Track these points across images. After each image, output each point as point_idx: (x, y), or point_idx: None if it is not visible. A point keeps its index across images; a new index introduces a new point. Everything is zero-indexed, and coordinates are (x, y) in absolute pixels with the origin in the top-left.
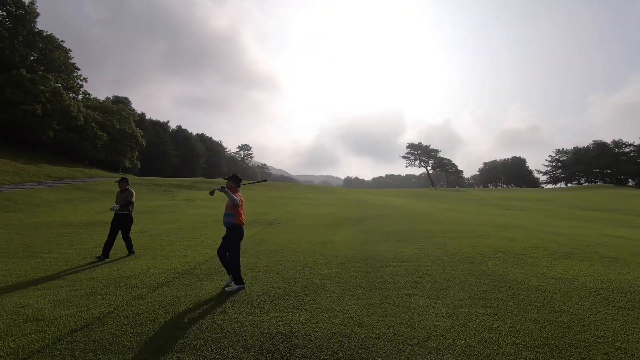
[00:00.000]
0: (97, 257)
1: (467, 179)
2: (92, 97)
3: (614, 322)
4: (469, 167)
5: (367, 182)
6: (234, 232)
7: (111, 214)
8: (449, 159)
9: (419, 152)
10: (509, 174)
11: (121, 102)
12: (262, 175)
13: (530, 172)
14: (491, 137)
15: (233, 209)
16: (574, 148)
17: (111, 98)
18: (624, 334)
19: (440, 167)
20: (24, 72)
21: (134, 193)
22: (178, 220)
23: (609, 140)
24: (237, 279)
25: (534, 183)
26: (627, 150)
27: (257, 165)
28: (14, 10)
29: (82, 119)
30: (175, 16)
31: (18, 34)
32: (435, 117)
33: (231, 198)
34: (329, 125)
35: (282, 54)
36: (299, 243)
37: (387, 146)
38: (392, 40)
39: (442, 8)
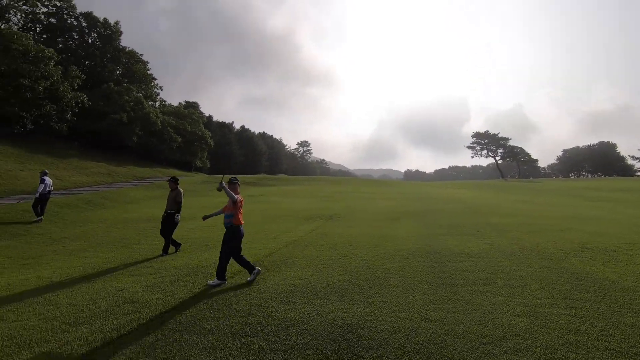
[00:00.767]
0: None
1: (543, 168)
2: (166, 103)
3: None
4: (544, 155)
5: (429, 174)
6: (233, 232)
7: (189, 211)
8: (520, 148)
9: (486, 141)
10: (595, 161)
11: (191, 107)
12: (322, 171)
13: (623, 158)
14: (571, 121)
15: (233, 209)
16: None
17: (183, 103)
18: None
19: (511, 156)
20: (112, 85)
21: (182, 193)
22: (244, 215)
23: None
24: (220, 274)
25: (628, 171)
26: None
27: (317, 161)
28: (102, 31)
29: (159, 124)
30: (235, 21)
31: (106, 52)
32: (503, 102)
33: (229, 195)
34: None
35: (337, 49)
36: (360, 237)
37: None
38: (454, 23)
39: None
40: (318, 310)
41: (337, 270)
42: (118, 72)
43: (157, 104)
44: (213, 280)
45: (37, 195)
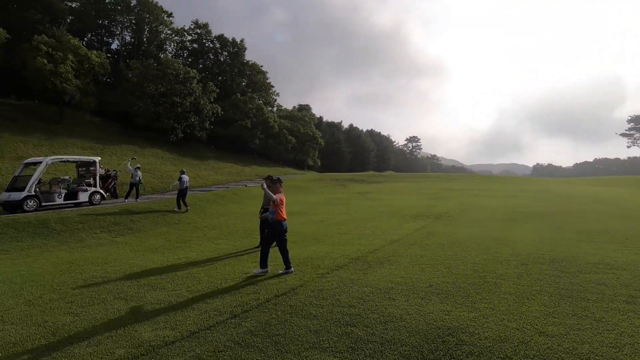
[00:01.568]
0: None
1: None
2: (282, 107)
3: None
4: None
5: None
6: (274, 227)
7: (297, 206)
8: None
9: None
10: None
11: (304, 109)
12: (432, 167)
13: None
14: None
15: (274, 207)
16: None
17: (296, 106)
18: None
19: None
20: (239, 96)
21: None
22: (351, 211)
23: None
24: (262, 263)
25: None
26: None
27: (427, 157)
28: (231, 49)
29: (277, 127)
30: (343, 22)
31: (234, 67)
32: None
33: (268, 195)
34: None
35: (446, 35)
36: (470, 238)
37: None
38: None
39: None
40: (418, 309)
41: (442, 272)
42: (243, 83)
43: (275, 109)
44: (257, 269)
45: (183, 187)
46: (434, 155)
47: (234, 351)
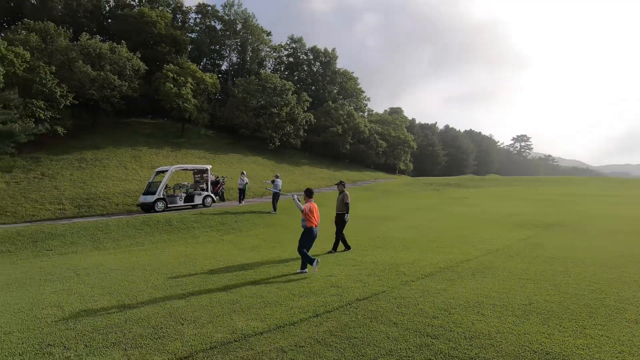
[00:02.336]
0: (328, 252)
1: None
2: (373, 112)
3: None
4: None
5: None
6: (305, 233)
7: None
8: None
9: None
10: None
11: (395, 112)
12: (547, 169)
13: None
14: None
15: (304, 215)
16: None
17: (387, 110)
18: None
19: None
20: (331, 103)
21: (349, 195)
22: (445, 218)
23: None
24: (303, 265)
25: None
26: None
27: (539, 158)
28: (323, 59)
29: (367, 132)
30: (437, 19)
31: (326, 75)
32: None
33: (297, 206)
34: None
35: (557, 19)
36: (588, 252)
37: None
38: None
39: None
40: (511, 328)
41: (547, 289)
42: (334, 90)
43: (366, 113)
44: (299, 270)
45: (277, 190)
46: (549, 156)
47: (313, 348)
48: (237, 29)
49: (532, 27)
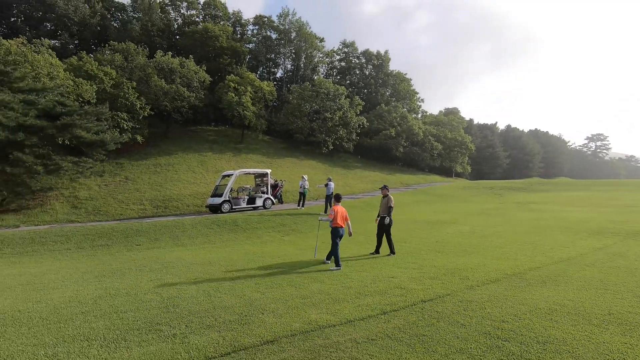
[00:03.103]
0: (371, 253)
1: None
2: (427, 113)
3: None
4: None
5: None
6: (332, 231)
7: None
8: None
9: None
10: None
11: (451, 113)
12: (629, 172)
13: None
14: None
15: (330, 217)
16: None
17: (443, 111)
18: None
19: None
20: (384, 106)
21: (392, 199)
22: (508, 223)
23: None
24: (336, 263)
25: None
26: None
27: (619, 159)
28: (376, 61)
29: (421, 134)
30: (497, 13)
31: (379, 78)
32: None
33: (327, 220)
34: None
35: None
36: None
37: None
38: None
39: None
40: (588, 336)
41: (630, 300)
42: (387, 93)
43: (419, 115)
44: (332, 267)
45: (329, 193)
46: (631, 156)
47: (384, 341)
48: (292, 37)
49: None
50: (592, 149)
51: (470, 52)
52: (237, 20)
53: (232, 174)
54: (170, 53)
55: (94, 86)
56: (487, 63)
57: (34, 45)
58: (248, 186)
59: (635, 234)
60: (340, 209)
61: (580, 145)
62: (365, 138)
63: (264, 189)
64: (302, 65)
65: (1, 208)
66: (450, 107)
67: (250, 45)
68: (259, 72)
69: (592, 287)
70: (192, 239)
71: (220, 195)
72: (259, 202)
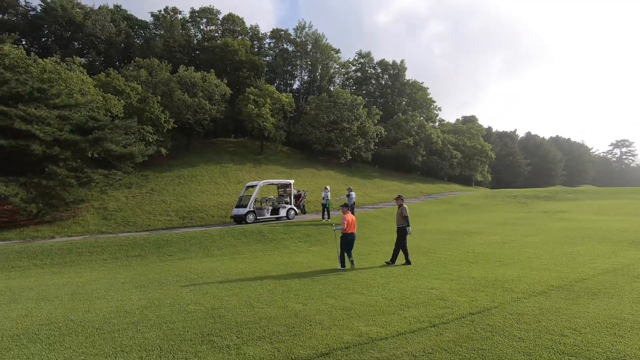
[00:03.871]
0: (386, 262)
1: None
2: (444, 122)
3: None
4: None
5: None
6: (343, 237)
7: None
8: None
9: None
10: None
11: (469, 121)
12: None
13: None
14: None
15: (343, 224)
16: None
17: (460, 119)
18: None
19: None
20: (401, 115)
21: (407, 209)
22: (540, 233)
23: None
24: (342, 264)
25: None
26: None
27: None
28: (392, 71)
29: (440, 143)
30: (512, 18)
31: (395, 88)
32: None
33: (339, 228)
34: None
35: None
36: None
37: None
38: None
39: None
40: None
41: None
42: (404, 102)
43: (437, 124)
44: (340, 267)
45: (351, 203)
46: None
47: (442, 355)
48: (308, 49)
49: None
50: (617, 156)
51: (486, 59)
52: (254, 34)
53: (256, 185)
54: (192, 67)
55: (122, 101)
56: (502, 69)
57: (66, 64)
58: (272, 197)
59: None
60: (351, 217)
61: (604, 152)
62: (382, 147)
63: (288, 199)
64: (318, 76)
65: (37, 220)
66: (467, 115)
67: (267, 58)
68: (275, 84)
69: None
70: (221, 250)
71: (245, 206)
72: (282, 213)
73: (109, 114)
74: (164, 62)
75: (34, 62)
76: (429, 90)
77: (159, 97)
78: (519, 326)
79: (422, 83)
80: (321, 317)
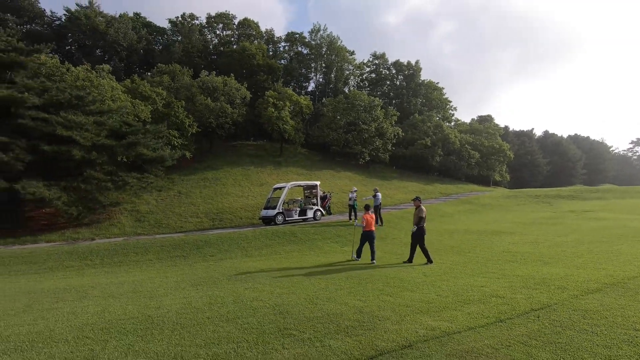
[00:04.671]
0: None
1: None
2: (460, 121)
3: None
4: None
5: None
6: (364, 234)
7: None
8: None
9: None
10: None
11: (485, 121)
12: None
13: None
14: None
15: (363, 222)
16: None
17: (476, 118)
18: None
19: None
20: (417, 116)
21: (424, 210)
22: (572, 233)
23: None
24: (358, 255)
25: None
26: None
27: None
28: (406, 72)
29: (457, 143)
30: (526, 18)
31: (410, 88)
32: None
33: (360, 225)
34: None
35: None
36: None
37: None
38: None
39: None
40: None
41: None
42: (419, 102)
43: (452, 124)
44: (355, 256)
45: (377, 204)
46: None
47: (522, 348)
48: (322, 51)
49: None
50: (637, 154)
51: (499, 56)
52: (269, 38)
53: (283, 187)
54: (214, 72)
55: (149, 106)
56: (517, 66)
57: (96, 71)
58: (299, 198)
59: None
60: (370, 216)
61: (624, 150)
62: (400, 148)
63: (314, 200)
64: (333, 78)
65: (75, 222)
66: (483, 114)
67: (282, 61)
68: (290, 86)
69: None
70: (258, 250)
71: (274, 208)
72: (309, 214)
73: (137, 119)
74: (185, 67)
75: (67, 70)
76: (444, 90)
77: (183, 102)
78: (587, 321)
79: (438, 83)
80: (385, 313)
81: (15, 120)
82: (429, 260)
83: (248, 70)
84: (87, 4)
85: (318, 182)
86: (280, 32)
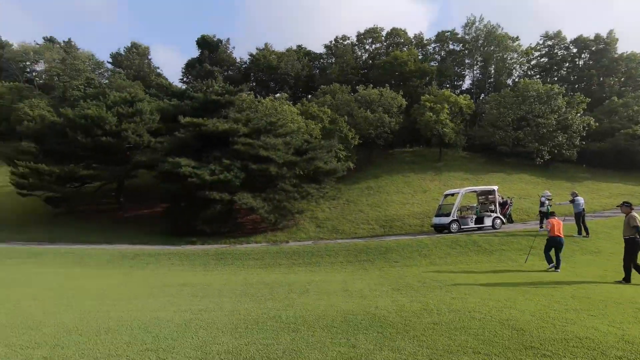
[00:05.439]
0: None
1: None
2: None
3: None
4: None
5: None
6: (549, 240)
7: None
8: None
9: None
10: None
11: None
12: None
13: None
14: None
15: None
16: None
17: None
18: None
19: None
20: (616, 99)
21: (636, 217)
22: None
23: None
24: (548, 261)
25: None
26: None
27: None
28: (594, 47)
29: None
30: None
31: (601, 66)
32: None
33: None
34: None
35: None
36: None
37: None
38: None
39: None
40: None
41: None
42: (616, 83)
43: None
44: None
45: (579, 210)
46: None
47: None
48: (479, 44)
49: None
50: None
51: None
52: (418, 42)
53: (456, 193)
54: (370, 85)
55: (318, 124)
56: None
57: (278, 100)
58: (474, 205)
59: None
60: (556, 221)
61: None
62: (591, 142)
63: (492, 207)
64: (492, 71)
65: (272, 227)
66: None
67: (433, 63)
68: (444, 87)
69: None
70: (442, 259)
71: (447, 215)
72: (487, 222)
73: (310, 136)
74: (342, 85)
75: (258, 102)
76: None
77: (346, 117)
78: None
79: None
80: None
81: (232, 146)
82: (627, 279)
83: (400, 78)
84: (263, 46)
85: (496, 187)
86: (425, 33)
